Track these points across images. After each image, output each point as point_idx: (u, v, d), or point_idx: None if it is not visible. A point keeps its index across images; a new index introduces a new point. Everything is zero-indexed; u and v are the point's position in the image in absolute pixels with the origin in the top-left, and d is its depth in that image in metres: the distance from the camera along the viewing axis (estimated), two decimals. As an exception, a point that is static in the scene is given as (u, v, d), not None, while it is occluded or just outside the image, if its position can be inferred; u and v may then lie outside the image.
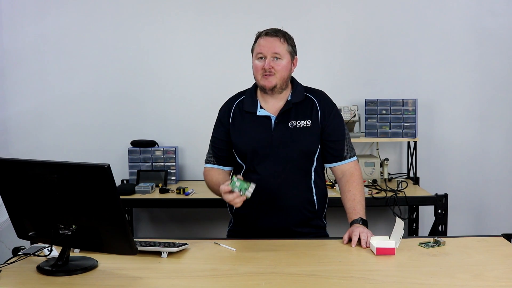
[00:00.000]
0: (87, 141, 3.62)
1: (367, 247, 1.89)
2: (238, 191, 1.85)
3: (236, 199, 1.86)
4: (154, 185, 3.35)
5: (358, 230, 1.93)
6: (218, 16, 3.56)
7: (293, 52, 2.12)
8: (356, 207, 2.05)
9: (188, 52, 3.59)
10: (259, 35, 2.11)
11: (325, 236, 2.22)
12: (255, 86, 2.18)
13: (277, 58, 2.06)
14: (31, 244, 1.88)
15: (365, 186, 3.24)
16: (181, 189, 3.20)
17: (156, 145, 3.55)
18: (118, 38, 3.58)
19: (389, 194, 3.11)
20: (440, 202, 3.07)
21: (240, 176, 1.89)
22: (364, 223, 2.01)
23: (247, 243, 1.98)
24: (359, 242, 1.91)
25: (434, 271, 1.66)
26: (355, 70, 3.59)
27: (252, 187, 1.85)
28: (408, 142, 3.56)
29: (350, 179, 2.12)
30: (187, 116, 3.61)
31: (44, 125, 3.63)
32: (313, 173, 2.15)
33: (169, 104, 3.61)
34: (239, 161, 2.17)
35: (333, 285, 1.56)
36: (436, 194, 3.09)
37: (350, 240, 1.94)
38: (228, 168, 2.22)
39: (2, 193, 1.74)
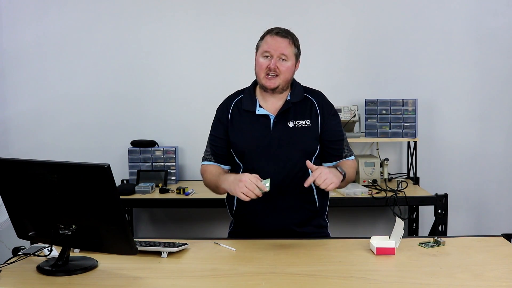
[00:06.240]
0: (87, 141, 3.62)
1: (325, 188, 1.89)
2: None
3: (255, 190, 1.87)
4: (154, 185, 3.35)
5: (324, 171, 1.90)
6: (218, 16, 3.56)
7: (298, 55, 2.11)
8: (342, 165, 2.09)
9: (188, 52, 3.59)
10: (268, 33, 2.09)
11: (326, 235, 2.21)
12: (254, 85, 2.17)
13: (283, 59, 2.05)
14: (31, 244, 1.88)
15: (365, 186, 3.25)
16: (181, 189, 3.20)
17: (156, 145, 3.55)
18: (118, 38, 3.58)
19: (389, 194, 3.10)
20: (440, 202, 3.07)
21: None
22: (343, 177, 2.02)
23: (247, 243, 1.98)
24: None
25: (434, 271, 1.66)
26: (355, 70, 3.59)
27: (267, 180, 1.87)
28: (408, 142, 3.56)
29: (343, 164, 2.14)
30: (187, 116, 3.61)
31: (44, 125, 3.63)
32: (313, 172, 2.15)
33: (169, 104, 3.61)
34: (237, 160, 2.15)
35: (333, 285, 1.56)
36: (436, 194, 3.09)
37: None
38: (226, 167, 2.20)
39: (2, 193, 1.74)
